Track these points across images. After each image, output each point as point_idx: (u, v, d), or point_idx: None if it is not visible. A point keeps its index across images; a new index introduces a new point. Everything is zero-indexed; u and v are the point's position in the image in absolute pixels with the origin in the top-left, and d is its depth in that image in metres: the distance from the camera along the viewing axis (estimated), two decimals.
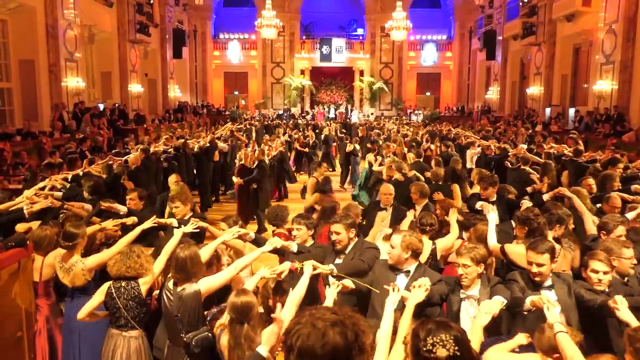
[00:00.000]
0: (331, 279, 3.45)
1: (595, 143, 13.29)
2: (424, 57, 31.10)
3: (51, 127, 13.55)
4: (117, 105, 17.92)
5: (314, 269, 3.29)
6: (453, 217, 4.75)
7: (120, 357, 3.58)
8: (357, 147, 13.94)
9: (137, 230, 4.37)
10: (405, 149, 10.81)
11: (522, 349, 2.78)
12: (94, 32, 17.72)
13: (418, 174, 7.65)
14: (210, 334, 3.28)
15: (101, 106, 17.17)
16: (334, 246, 3.94)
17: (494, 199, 5.74)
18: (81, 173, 7.28)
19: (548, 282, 3.35)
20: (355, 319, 1.76)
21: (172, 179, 7.01)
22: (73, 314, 3.81)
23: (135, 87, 20.33)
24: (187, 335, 3.30)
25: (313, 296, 3.56)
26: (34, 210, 5.04)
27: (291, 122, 24.28)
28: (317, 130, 19.56)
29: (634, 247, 3.79)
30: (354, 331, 1.71)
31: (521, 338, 2.82)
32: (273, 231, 4.99)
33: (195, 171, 10.97)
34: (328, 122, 23.41)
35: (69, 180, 6.80)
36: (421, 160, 9.50)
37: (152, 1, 21.30)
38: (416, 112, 28.51)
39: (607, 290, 3.36)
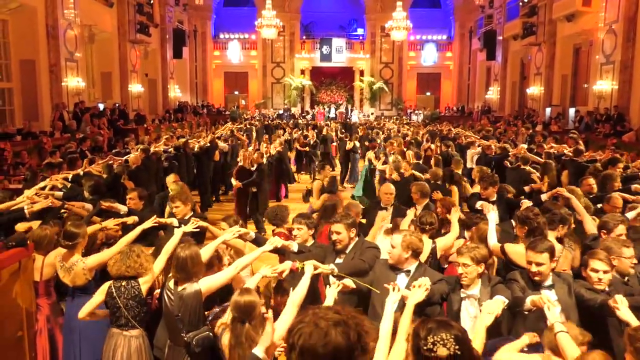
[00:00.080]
0: (332, 279, 3.45)
1: (596, 143, 13.29)
2: (424, 57, 31.09)
3: (51, 127, 13.54)
4: (117, 105, 17.92)
5: (315, 268, 3.29)
6: (455, 216, 4.75)
7: (120, 356, 3.58)
8: (357, 144, 13.92)
9: (138, 230, 4.38)
10: (405, 149, 10.81)
11: (529, 348, 2.79)
12: (94, 32, 17.72)
13: (416, 173, 7.67)
14: (211, 334, 3.28)
15: (101, 106, 17.16)
16: (334, 246, 3.94)
17: (494, 198, 5.75)
18: (81, 173, 7.28)
19: (548, 282, 3.35)
20: (359, 319, 1.75)
21: (171, 178, 7.01)
22: (74, 313, 3.82)
23: (136, 87, 20.33)
24: (187, 334, 3.30)
25: (314, 296, 3.57)
26: (34, 210, 5.04)
27: (291, 122, 24.28)
28: (316, 130, 19.55)
29: (634, 246, 3.79)
30: (357, 331, 1.70)
31: (527, 338, 2.83)
32: (273, 230, 4.99)
33: (195, 171, 10.96)
34: (328, 122, 23.40)
35: (70, 180, 6.79)
36: (420, 162, 9.50)
37: (152, 1, 21.29)
38: (416, 112, 28.51)
39: (607, 289, 3.35)
